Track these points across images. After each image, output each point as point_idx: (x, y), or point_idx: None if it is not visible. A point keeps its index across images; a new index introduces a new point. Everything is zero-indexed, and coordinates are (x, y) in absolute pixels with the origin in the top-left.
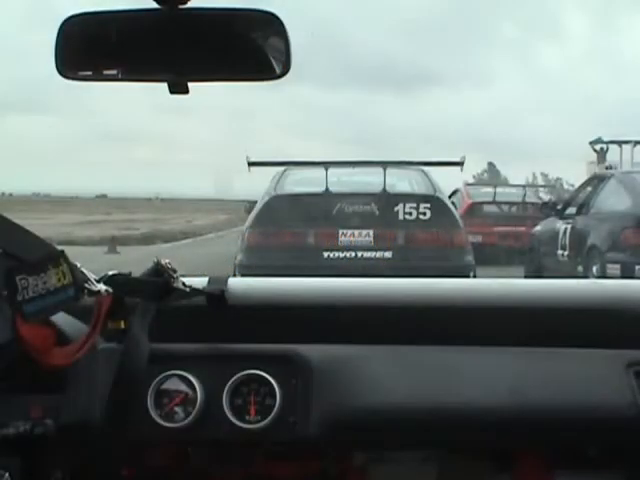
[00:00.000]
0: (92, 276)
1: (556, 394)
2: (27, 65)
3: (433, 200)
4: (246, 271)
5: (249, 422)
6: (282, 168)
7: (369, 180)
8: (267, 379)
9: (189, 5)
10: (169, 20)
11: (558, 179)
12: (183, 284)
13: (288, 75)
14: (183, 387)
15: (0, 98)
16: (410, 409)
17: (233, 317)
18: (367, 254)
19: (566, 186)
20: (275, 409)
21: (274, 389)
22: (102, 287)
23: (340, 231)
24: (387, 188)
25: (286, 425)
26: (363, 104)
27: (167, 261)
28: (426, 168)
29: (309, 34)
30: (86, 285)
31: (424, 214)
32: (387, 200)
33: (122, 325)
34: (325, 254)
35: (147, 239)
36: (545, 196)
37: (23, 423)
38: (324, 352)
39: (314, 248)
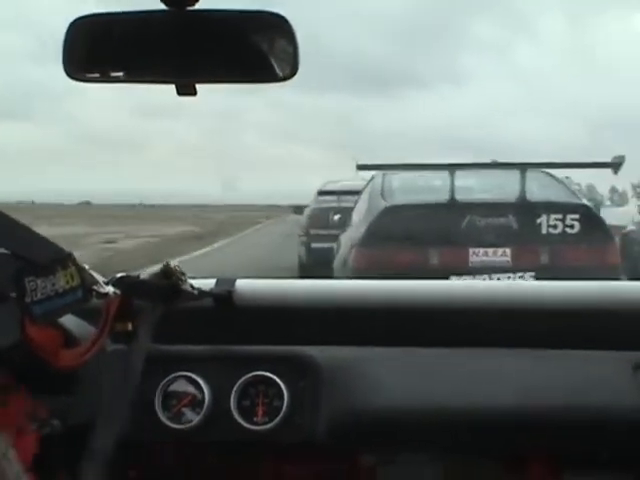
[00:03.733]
0: (100, 278)
1: (564, 396)
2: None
3: (582, 210)
4: None
5: (257, 424)
6: (380, 173)
7: (496, 186)
8: (275, 381)
9: (197, 7)
10: (177, 22)
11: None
12: (191, 286)
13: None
14: (191, 389)
15: None
16: (418, 411)
17: (241, 318)
18: (504, 277)
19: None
20: (283, 411)
21: (282, 391)
22: (110, 289)
23: (470, 250)
24: (527, 196)
25: (294, 427)
26: (351, 107)
27: (176, 263)
28: (553, 172)
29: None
30: (94, 287)
31: (572, 227)
32: (527, 211)
33: (130, 327)
34: (452, 278)
35: None
36: None
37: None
38: (332, 354)
39: (439, 271)
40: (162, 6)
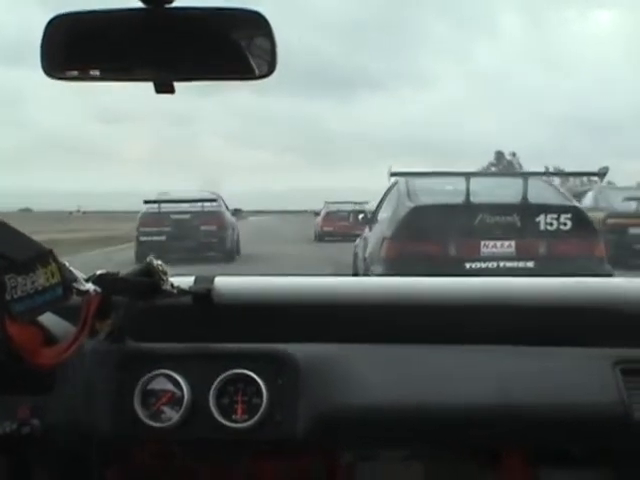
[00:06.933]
0: (81, 275)
1: (542, 392)
2: None
3: (573, 211)
4: None
5: (236, 421)
6: (403, 179)
7: (503, 190)
8: (254, 378)
9: (175, 4)
10: (155, 20)
11: None
12: (171, 285)
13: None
14: (170, 386)
15: None
16: (397, 407)
17: (220, 316)
18: (509, 264)
19: None
20: (262, 408)
21: (261, 388)
22: (90, 286)
23: (482, 242)
24: (528, 198)
25: (273, 424)
26: (302, 110)
27: (159, 262)
28: (548, 178)
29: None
30: (74, 284)
31: (565, 225)
32: (528, 211)
33: (110, 325)
34: (467, 265)
35: None
36: None
37: (10, 423)
38: (311, 351)
39: (456, 259)
40: (140, 4)
